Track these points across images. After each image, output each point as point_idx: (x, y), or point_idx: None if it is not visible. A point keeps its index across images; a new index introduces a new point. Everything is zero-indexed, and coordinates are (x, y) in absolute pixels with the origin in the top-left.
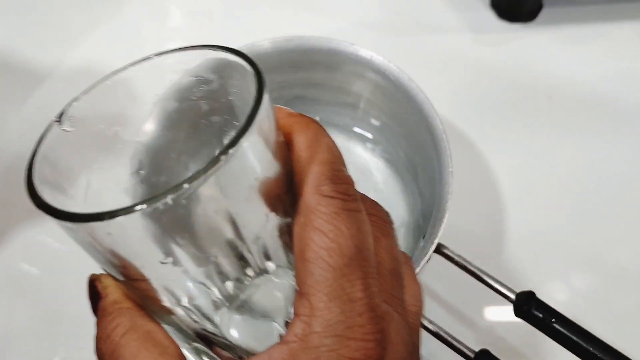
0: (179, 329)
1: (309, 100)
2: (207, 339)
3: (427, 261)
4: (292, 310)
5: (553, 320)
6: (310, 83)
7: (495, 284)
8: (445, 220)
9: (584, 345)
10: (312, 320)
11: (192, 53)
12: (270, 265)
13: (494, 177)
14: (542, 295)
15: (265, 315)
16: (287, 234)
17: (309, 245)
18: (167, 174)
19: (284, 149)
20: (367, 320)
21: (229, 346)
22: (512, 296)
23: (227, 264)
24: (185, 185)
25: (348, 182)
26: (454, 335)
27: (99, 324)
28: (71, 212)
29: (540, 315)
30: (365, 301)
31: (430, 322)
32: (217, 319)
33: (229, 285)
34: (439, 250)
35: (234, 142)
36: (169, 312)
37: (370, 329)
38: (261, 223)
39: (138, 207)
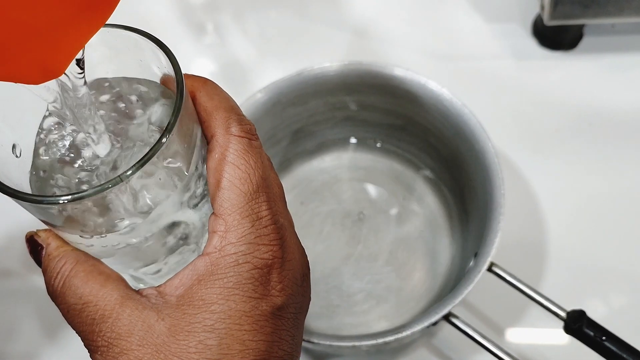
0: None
1: (358, 121)
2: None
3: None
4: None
5: (604, 338)
6: (363, 105)
7: (546, 303)
8: (497, 240)
9: None
10: (228, 234)
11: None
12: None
13: (536, 198)
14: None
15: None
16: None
17: (224, 176)
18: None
19: (191, 106)
20: (272, 230)
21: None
22: (563, 314)
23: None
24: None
25: (250, 124)
26: (507, 350)
27: (46, 268)
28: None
29: (592, 334)
30: (269, 217)
31: (483, 336)
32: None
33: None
34: (490, 268)
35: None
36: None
37: (274, 236)
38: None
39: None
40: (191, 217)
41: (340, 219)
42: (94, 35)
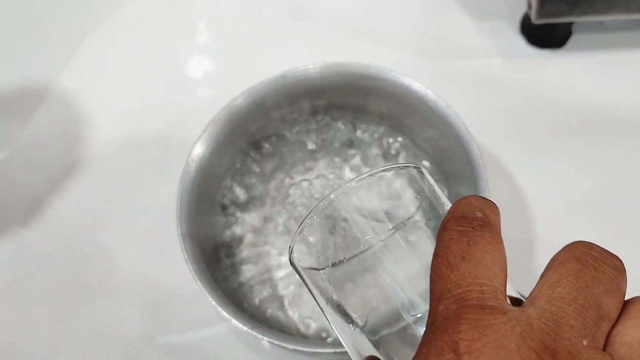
0: None
1: (347, 123)
2: None
3: None
4: None
5: None
6: (349, 106)
7: None
8: None
9: None
10: None
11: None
12: None
13: (524, 199)
14: None
15: None
16: None
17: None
18: None
19: None
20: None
21: None
22: None
23: None
24: None
25: None
26: None
27: None
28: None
29: None
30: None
31: None
32: None
33: None
34: None
35: None
36: None
37: None
38: None
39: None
40: None
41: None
42: None
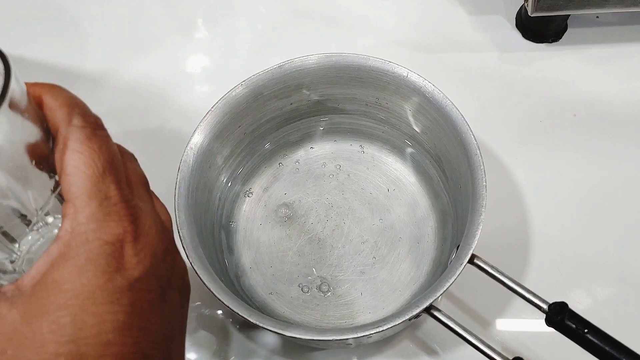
0: None
1: (342, 113)
2: None
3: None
4: None
5: (586, 330)
6: (346, 97)
7: (528, 295)
8: (479, 232)
9: (617, 355)
10: (77, 215)
11: None
12: (50, 218)
13: (519, 190)
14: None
15: None
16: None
17: (68, 163)
18: None
19: (38, 111)
20: (121, 207)
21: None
22: (545, 306)
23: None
24: None
25: (96, 117)
26: (488, 343)
27: None
28: None
29: (573, 326)
30: (118, 196)
31: (465, 329)
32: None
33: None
34: (472, 260)
35: None
36: None
37: (124, 212)
38: (40, 185)
39: None
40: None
41: (325, 210)
42: None
